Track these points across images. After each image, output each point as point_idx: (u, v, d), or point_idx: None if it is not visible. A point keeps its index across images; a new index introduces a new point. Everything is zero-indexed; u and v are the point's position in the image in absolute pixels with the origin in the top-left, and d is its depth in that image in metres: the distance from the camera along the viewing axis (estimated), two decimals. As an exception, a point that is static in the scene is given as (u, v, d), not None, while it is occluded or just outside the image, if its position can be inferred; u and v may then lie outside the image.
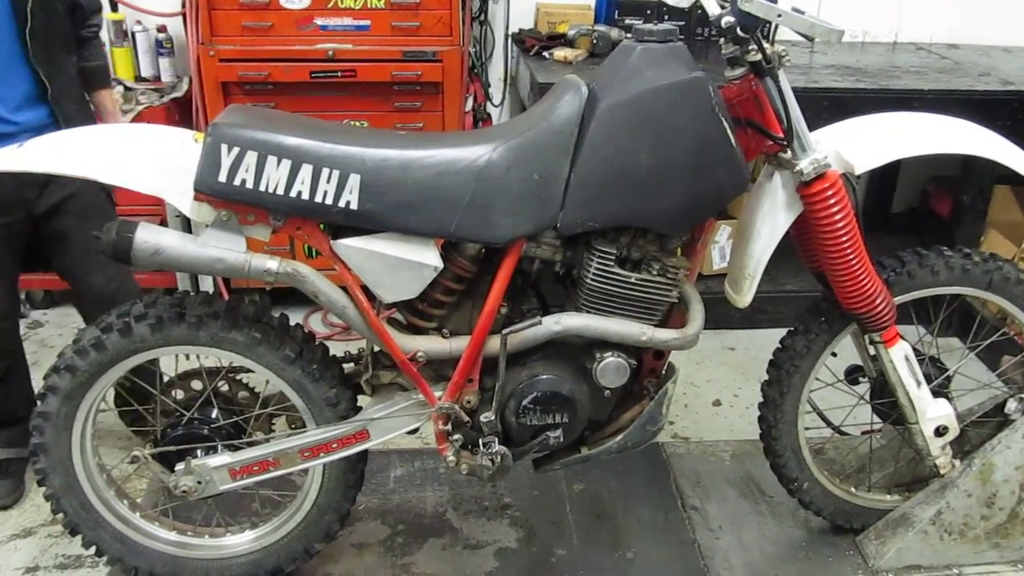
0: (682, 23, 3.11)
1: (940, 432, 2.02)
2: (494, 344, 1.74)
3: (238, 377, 1.89)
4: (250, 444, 1.84)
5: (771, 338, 2.16)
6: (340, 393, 1.81)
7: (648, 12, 3.29)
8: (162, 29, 3.17)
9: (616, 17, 3.32)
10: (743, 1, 1.58)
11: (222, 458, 1.80)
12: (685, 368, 2.75)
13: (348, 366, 1.91)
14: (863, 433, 2.33)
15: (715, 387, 2.96)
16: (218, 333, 1.73)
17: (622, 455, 1.91)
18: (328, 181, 1.57)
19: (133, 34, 3.14)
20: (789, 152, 1.74)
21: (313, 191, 1.57)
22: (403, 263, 1.64)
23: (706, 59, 3.04)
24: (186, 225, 2.87)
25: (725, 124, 1.64)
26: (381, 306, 1.77)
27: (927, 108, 2.01)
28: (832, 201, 1.75)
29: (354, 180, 1.57)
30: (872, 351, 2.00)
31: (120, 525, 1.92)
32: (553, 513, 2.33)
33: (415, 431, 1.86)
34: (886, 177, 3.81)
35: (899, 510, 2.16)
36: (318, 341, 1.85)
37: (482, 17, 3.44)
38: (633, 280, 1.73)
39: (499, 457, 1.80)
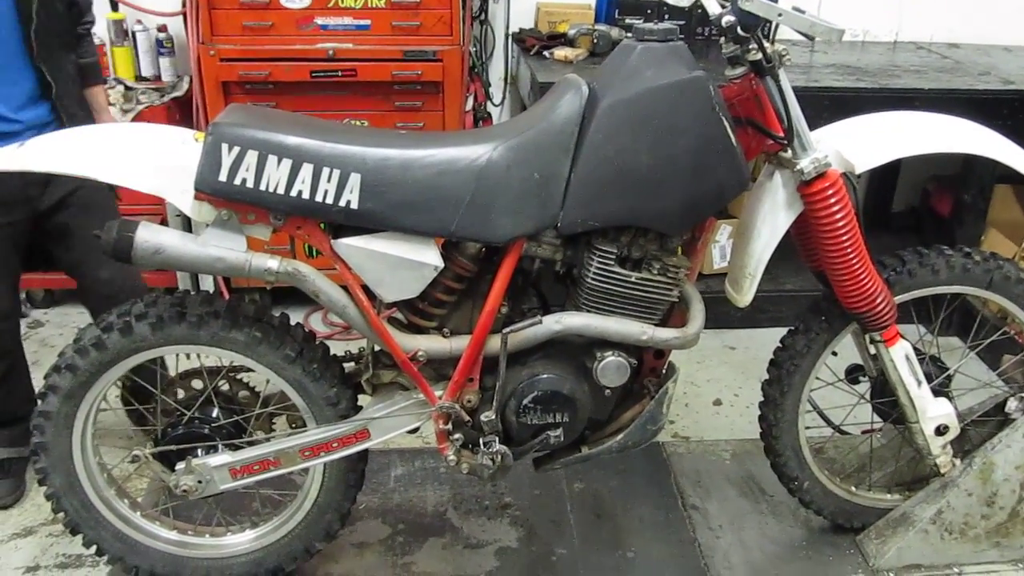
0: (682, 22, 3.11)
1: (941, 431, 2.02)
2: (495, 343, 1.74)
3: (239, 376, 1.89)
4: (251, 443, 1.84)
5: (771, 337, 2.16)
6: (341, 392, 1.81)
7: (648, 11, 3.29)
8: (162, 28, 3.17)
9: (616, 16, 3.32)
10: (743, 0, 1.58)
11: (223, 457, 1.80)
12: (685, 367, 2.75)
13: (348, 365, 1.92)
14: (863, 432, 2.33)
15: (716, 386, 2.96)
16: (219, 332, 1.73)
17: (622, 454, 1.91)
18: (329, 180, 1.57)
19: (133, 33, 3.14)
20: (789, 151, 1.74)
21: (314, 190, 1.57)
22: (404, 262, 1.64)
23: (706, 58, 3.03)
24: (187, 224, 2.87)
25: (725, 123, 1.64)
26: (382, 305, 1.78)
27: (927, 107, 2.01)
28: (832, 200, 1.75)
29: (355, 179, 1.57)
30: (872, 350, 2.00)
31: (121, 524, 1.92)
32: (553, 512, 2.33)
33: (415, 430, 1.86)
34: (887, 176, 3.81)
35: (899, 509, 2.16)
36: (318, 340, 1.85)
37: (482, 16, 3.44)
38: (634, 279, 1.73)
39: (499, 456, 1.80)
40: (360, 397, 1.88)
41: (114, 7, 3.15)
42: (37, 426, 1.78)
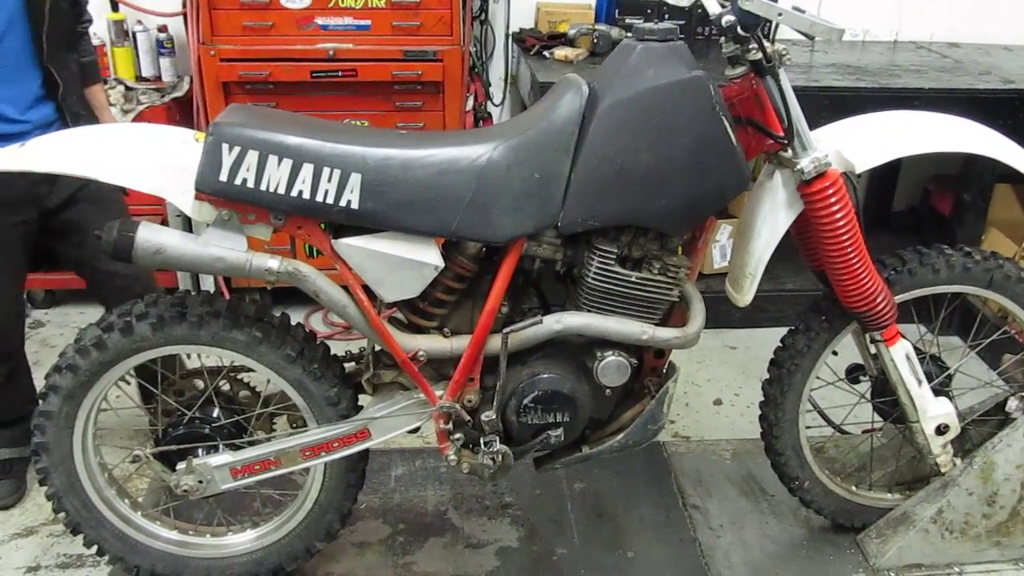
0: (682, 22, 3.11)
1: (941, 430, 2.02)
2: (495, 343, 1.74)
3: (239, 376, 1.89)
4: (251, 443, 1.84)
5: (772, 337, 2.16)
6: (341, 392, 1.81)
7: (648, 11, 3.29)
8: (163, 29, 3.17)
9: (616, 16, 3.32)
10: (743, 0, 1.58)
11: (223, 457, 1.80)
12: (686, 367, 2.75)
13: (349, 365, 1.92)
14: (864, 432, 2.33)
15: (716, 386, 2.96)
16: (219, 332, 1.73)
17: (623, 454, 1.91)
18: (329, 180, 1.57)
19: (134, 34, 3.14)
20: (790, 151, 1.74)
21: (314, 190, 1.57)
22: (404, 262, 1.64)
23: (706, 58, 3.03)
24: (187, 224, 2.87)
25: (726, 123, 1.64)
26: (382, 305, 1.78)
27: (927, 107, 2.01)
28: (833, 200, 1.75)
29: (355, 179, 1.57)
30: (873, 350, 2.00)
31: (121, 524, 1.92)
32: (554, 512, 2.33)
33: (416, 430, 1.86)
34: (887, 176, 3.80)
35: (900, 508, 2.16)
36: (319, 340, 1.85)
37: (482, 16, 3.44)
38: (634, 279, 1.73)
39: (500, 456, 1.81)
40: (361, 397, 1.88)
41: (114, 7, 3.15)
42: (38, 426, 1.78)
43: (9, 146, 1.62)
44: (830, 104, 2.76)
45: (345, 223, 1.63)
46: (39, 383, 1.89)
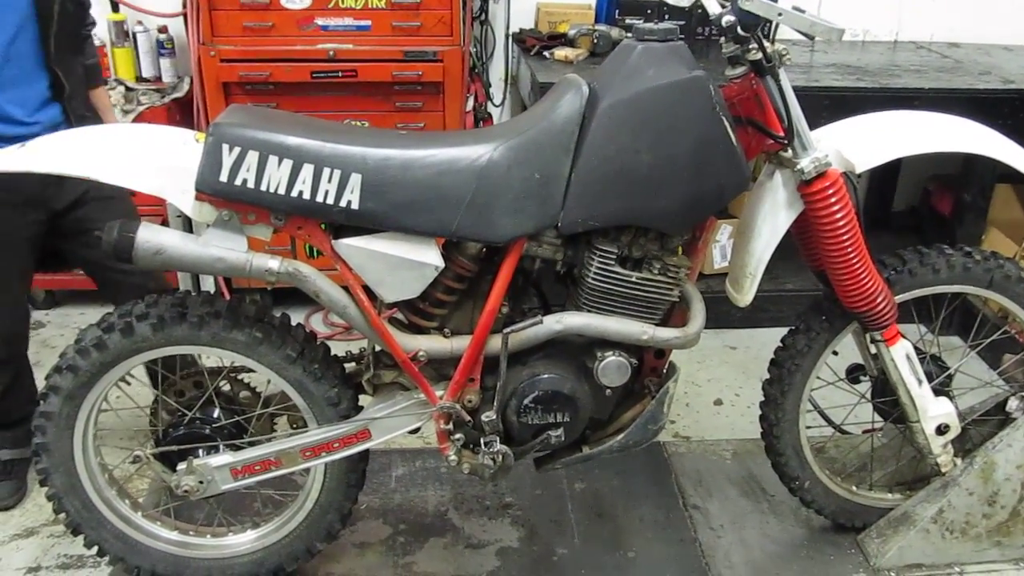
0: (682, 22, 3.10)
1: (941, 430, 2.02)
2: (495, 343, 1.74)
3: (240, 377, 1.89)
4: (252, 444, 1.84)
5: (772, 337, 2.16)
6: (341, 392, 1.81)
7: (648, 11, 3.29)
8: (163, 29, 3.17)
9: (617, 16, 3.32)
10: (743, 0, 1.58)
11: (224, 458, 1.81)
12: (686, 367, 2.76)
13: (349, 365, 1.92)
14: (864, 432, 2.33)
15: (716, 386, 2.96)
16: (220, 333, 1.73)
17: (623, 454, 1.91)
18: (329, 181, 1.57)
19: (134, 34, 3.15)
20: (790, 151, 1.74)
21: (314, 191, 1.57)
22: (404, 262, 1.64)
23: (707, 58, 3.03)
24: (187, 225, 2.87)
25: (726, 123, 1.64)
26: (382, 305, 1.78)
27: (928, 107, 2.01)
28: (833, 200, 1.75)
29: (355, 180, 1.57)
30: (873, 349, 2.00)
31: (122, 525, 1.92)
32: (554, 512, 2.33)
33: (416, 430, 1.86)
34: (887, 176, 3.81)
35: (900, 508, 2.16)
36: (319, 341, 1.85)
37: (483, 17, 3.44)
38: (634, 279, 1.73)
39: (500, 456, 1.81)
40: (361, 397, 1.88)
41: (115, 8, 3.15)
42: (39, 427, 1.78)
43: (9, 147, 1.61)
44: (830, 104, 2.76)
45: (345, 223, 1.63)
46: (40, 384, 1.89)
